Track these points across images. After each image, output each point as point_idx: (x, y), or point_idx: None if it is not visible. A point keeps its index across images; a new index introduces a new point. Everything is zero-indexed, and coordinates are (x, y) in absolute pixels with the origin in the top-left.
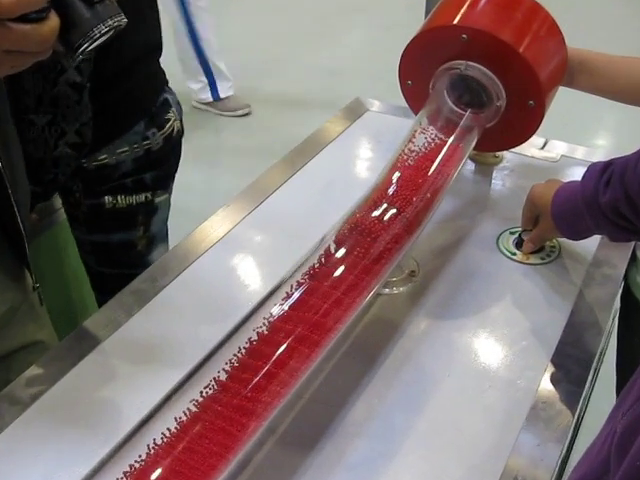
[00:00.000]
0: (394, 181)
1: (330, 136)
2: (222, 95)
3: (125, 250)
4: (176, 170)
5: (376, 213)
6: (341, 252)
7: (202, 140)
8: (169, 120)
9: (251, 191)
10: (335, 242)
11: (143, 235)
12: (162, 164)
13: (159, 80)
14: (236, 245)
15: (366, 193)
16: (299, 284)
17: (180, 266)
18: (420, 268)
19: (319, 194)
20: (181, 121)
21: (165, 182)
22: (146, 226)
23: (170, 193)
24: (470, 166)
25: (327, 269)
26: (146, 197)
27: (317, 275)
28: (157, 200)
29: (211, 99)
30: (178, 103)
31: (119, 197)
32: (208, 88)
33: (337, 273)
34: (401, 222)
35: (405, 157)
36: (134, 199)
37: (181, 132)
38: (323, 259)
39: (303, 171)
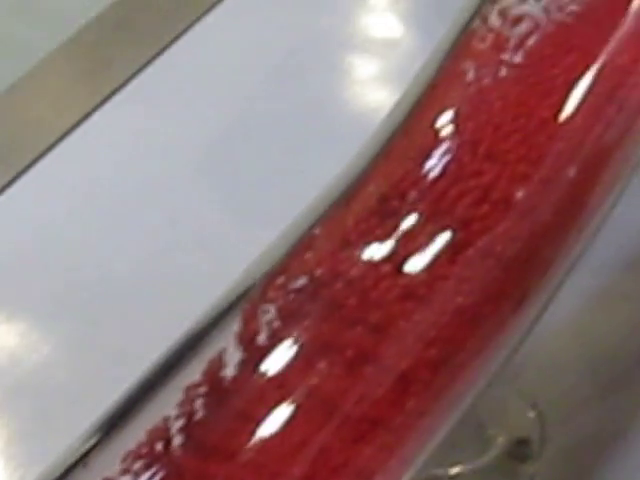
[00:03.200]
0: (445, 133)
1: None
2: None
3: None
4: None
5: (372, 253)
6: (271, 364)
7: None
8: None
9: None
10: (240, 338)
11: None
12: None
13: None
14: None
15: (344, 179)
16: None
17: None
18: (547, 431)
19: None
20: None
21: None
22: None
23: None
24: None
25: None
26: None
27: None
28: None
29: None
30: None
31: None
32: None
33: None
34: (472, 277)
35: (474, 53)
36: None
37: None
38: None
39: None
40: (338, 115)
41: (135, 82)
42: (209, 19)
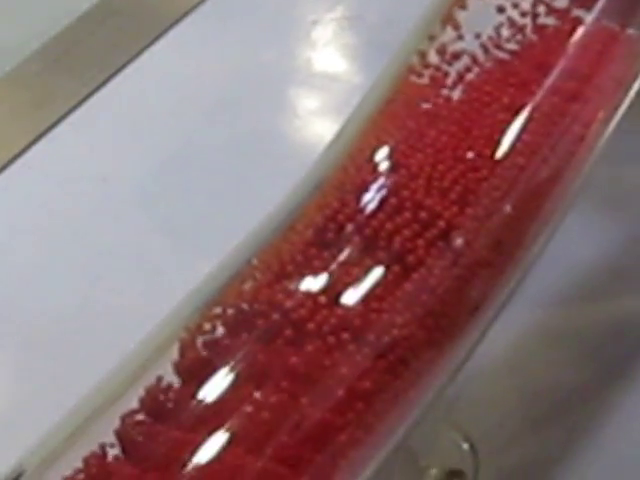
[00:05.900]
0: (383, 167)
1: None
2: None
3: None
4: None
5: (309, 285)
6: None
7: None
8: None
9: None
10: (177, 367)
11: None
12: None
13: None
14: None
15: (282, 210)
16: None
17: None
18: (480, 463)
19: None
20: None
21: None
22: None
23: None
24: None
25: None
26: None
27: None
28: None
29: None
30: None
31: None
32: None
33: None
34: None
35: (433, 74)
36: None
37: None
38: None
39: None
40: (278, 147)
41: (77, 113)
42: (151, 51)
